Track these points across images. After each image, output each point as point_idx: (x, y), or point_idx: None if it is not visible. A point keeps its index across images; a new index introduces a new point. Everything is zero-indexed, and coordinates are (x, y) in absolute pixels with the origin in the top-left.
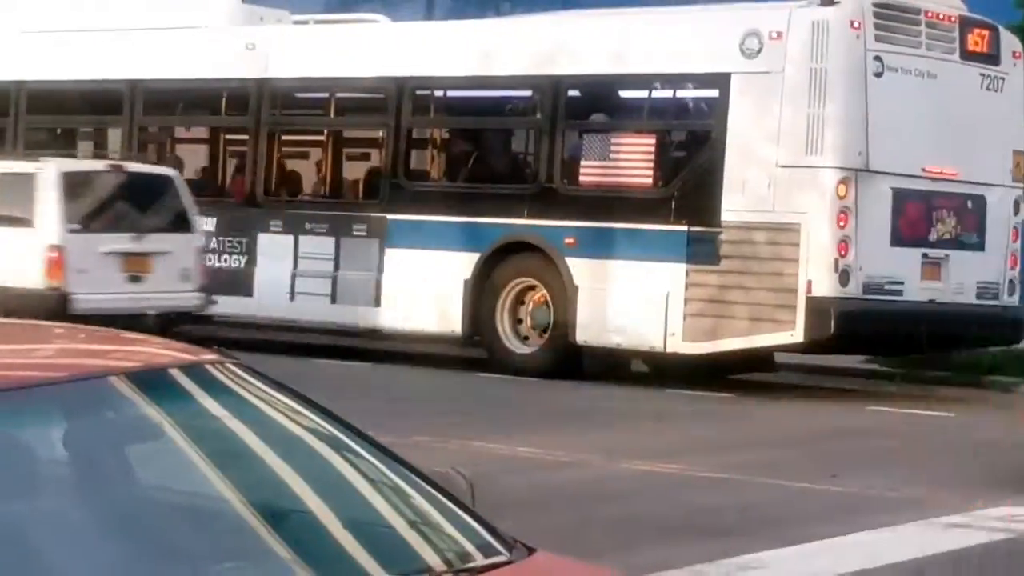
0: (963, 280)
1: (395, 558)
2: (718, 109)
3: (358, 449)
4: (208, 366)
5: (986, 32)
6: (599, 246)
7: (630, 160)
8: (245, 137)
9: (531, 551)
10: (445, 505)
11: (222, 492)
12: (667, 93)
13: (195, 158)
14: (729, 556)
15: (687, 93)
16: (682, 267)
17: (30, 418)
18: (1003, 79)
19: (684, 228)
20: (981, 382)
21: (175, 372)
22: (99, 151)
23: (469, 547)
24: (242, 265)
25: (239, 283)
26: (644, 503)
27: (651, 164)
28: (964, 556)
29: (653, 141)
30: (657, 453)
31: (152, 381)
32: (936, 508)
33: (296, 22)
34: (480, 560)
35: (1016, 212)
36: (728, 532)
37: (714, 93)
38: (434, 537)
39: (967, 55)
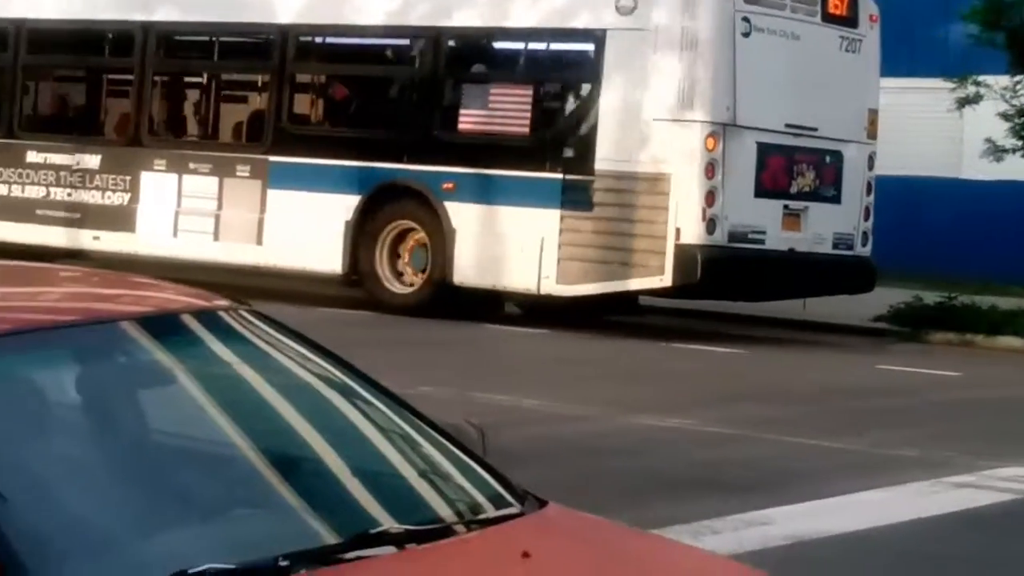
0: (821, 231)
1: (405, 508)
2: (593, 64)
3: (370, 398)
4: (220, 312)
5: None
6: (476, 191)
7: (507, 110)
8: (130, 78)
9: (543, 503)
10: (457, 455)
11: (232, 439)
12: (544, 47)
13: (80, 98)
14: (736, 512)
15: (563, 47)
16: (556, 213)
17: (41, 361)
18: (860, 41)
19: (559, 176)
20: (980, 342)
21: (187, 318)
22: None
23: (480, 498)
24: (125, 203)
25: (122, 220)
26: (651, 458)
27: (528, 114)
28: (973, 515)
29: (530, 92)
30: (658, 407)
31: (164, 326)
32: (945, 468)
33: None
34: (491, 511)
35: (870, 167)
36: (735, 488)
37: (590, 47)
38: (445, 487)
39: (828, 18)
